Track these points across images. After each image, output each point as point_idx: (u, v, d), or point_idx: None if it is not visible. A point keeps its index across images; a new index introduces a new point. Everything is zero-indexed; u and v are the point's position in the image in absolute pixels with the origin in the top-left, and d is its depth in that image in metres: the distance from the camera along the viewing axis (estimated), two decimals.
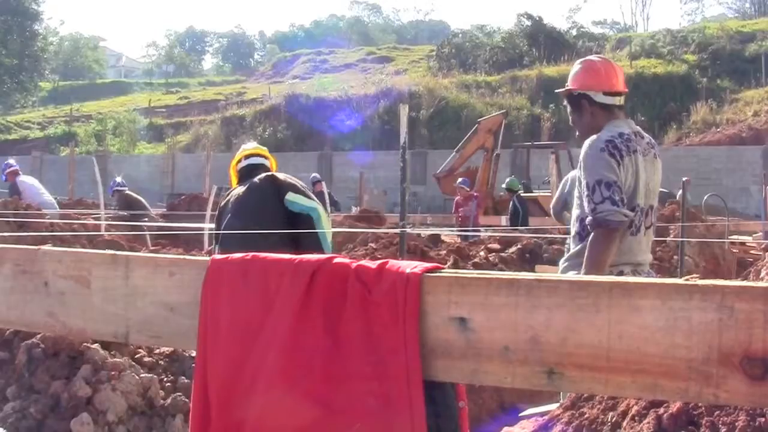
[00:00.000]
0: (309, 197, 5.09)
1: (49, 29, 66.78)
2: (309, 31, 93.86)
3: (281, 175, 5.22)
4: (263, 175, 5.24)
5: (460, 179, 18.68)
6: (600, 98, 4.03)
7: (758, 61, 37.83)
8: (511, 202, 17.19)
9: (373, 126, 37.89)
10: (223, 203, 5.40)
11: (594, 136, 3.94)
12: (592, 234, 3.79)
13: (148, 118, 50.85)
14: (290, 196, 5.00)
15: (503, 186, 18.35)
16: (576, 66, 4.25)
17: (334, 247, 5.88)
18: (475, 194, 17.70)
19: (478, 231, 15.45)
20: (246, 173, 5.46)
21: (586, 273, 3.71)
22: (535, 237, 12.09)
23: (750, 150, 29.53)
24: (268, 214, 4.94)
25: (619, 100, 4.09)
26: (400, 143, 7.29)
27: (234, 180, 5.63)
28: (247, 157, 5.61)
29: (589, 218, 3.78)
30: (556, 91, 4.25)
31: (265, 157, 5.66)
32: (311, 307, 1.54)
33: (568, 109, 4.25)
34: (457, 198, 17.71)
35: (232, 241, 4.86)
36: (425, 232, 14.50)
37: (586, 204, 3.82)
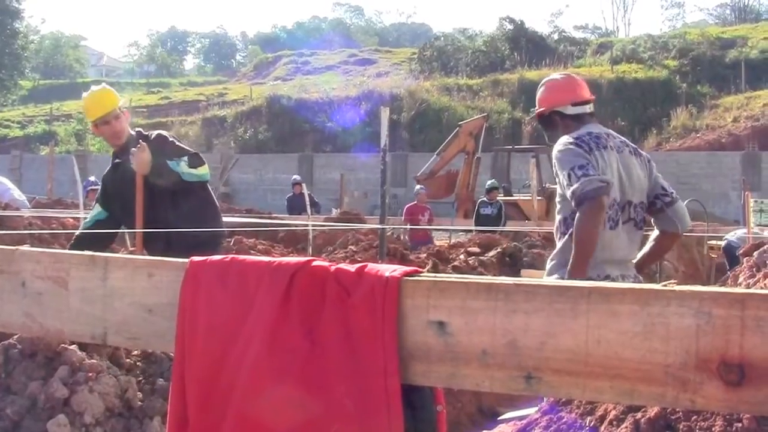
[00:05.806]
0: None
1: (30, 27, 66.26)
2: (291, 33, 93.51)
3: None
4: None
5: (418, 186, 18.54)
6: (570, 110, 4.21)
7: (738, 67, 38.01)
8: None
9: (354, 128, 37.85)
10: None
11: (563, 137, 4.07)
12: (578, 212, 3.79)
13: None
14: None
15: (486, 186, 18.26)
16: (540, 88, 4.44)
17: (315, 250, 5.82)
18: (428, 207, 17.43)
19: (446, 232, 15.43)
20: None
21: (576, 246, 3.76)
22: (515, 241, 12.12)
23: (729, 156, 29.72)
24: None
25: (588, 108, 4.25)
26: (381, 145, 7.29)
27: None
28: None
29: (573, 203, 3.81)
30: (528, 119, 4.45)
31: None
32: (290, 309, 1.54)
33: (544, 129, 4.42)
34: (409, 205, 17.46)
35: None
36: (403, 227, 14.51)
37: (568, 194, 3.85)
